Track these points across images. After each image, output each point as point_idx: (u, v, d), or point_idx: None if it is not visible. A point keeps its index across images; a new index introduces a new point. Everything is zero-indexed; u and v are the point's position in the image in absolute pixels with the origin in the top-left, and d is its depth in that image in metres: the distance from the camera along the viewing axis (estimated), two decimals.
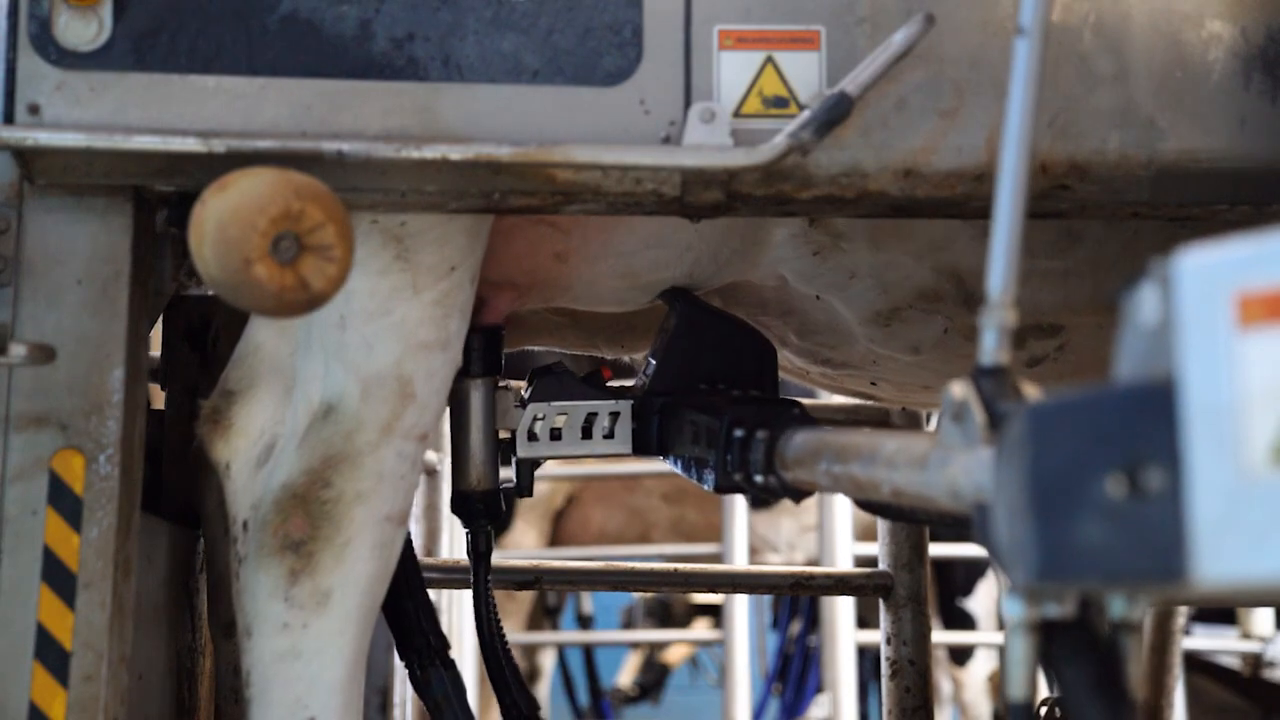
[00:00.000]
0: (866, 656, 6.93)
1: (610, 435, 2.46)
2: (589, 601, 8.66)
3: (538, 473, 2.54)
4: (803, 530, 7.06)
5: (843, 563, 5.85)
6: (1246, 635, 6.53)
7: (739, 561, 6.08)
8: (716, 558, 6.24)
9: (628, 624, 8.81)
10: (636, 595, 8.55)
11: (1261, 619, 6.50)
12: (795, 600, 7.74)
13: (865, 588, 3.27)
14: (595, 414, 2.46)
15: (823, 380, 2.86)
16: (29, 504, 1.90)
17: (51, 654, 1.89)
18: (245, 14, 1.93)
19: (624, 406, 2.45)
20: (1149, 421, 1.17)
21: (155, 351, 2.56)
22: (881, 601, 3.21)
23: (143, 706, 2.21)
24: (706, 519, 6.91)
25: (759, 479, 2.06)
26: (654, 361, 2.43)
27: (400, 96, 1.95)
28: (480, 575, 2.54)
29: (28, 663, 1.88)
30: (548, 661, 7.81)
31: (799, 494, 2.02)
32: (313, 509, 2.09)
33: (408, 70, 1.95)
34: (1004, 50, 1.97)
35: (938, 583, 6.85)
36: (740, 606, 6.30)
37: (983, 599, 7.01)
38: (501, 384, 2.46)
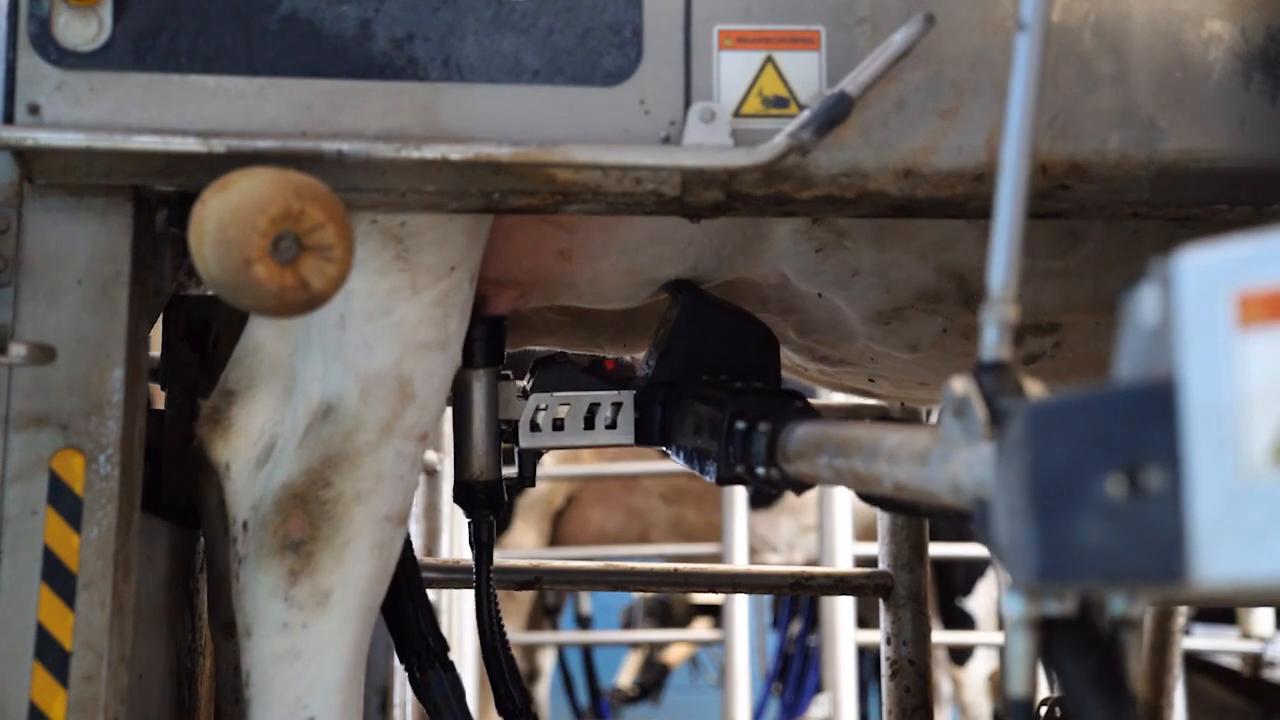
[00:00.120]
0: (866, 656, 6.93)
1: (613, 426, 2.47)
2: (588, 601, 8.66)
3: (538, 473, 2.55)
4: (802, 530, 7.06)
5: (842, 563, 5.85)
6: (1246, 635, 6.53)
7: (739, 561, 6.08)
8: (716, 558, 6.25)
9: (627, 624, 8.80)
10: (636, 595, 8.54)
11: (1261, 619, 6.50)
12: (795, 600, 7.74)
13: (865, 588, 3.27)
14: (598, 404, 2.46)
15: (821, 377, 2.86)
16: (29, 504, 1.90)
17: (51, 654, 1.88)
18: (245, 14, 1.93)
19: (626, 397, 2.46)
20: (1149, 421, 1.17)
21: (155, 351, 2.56)
22: (881, 601, 3.21)
23: (143, 706, 2.21)
24: (706, 519, 6.91)
25: (761, 471, 2.07)
26: (657, 352, 2.43)
27: (400, 96, 1.95)
28: (482, 566, 2.54)
29: (28, 663, 1.88)
30: (547, 661, 7.82)
31: (801, 486, 2.03)
32: (312, 509, 2.09)
33: (408, 70, 1.95)
34: (1004, 50, 1.97)
35: (938, 583, 6.85)
36: (740, 606, 6.30)
37: (982, 599, 7.01)
38: (504, 373, 2.47)
